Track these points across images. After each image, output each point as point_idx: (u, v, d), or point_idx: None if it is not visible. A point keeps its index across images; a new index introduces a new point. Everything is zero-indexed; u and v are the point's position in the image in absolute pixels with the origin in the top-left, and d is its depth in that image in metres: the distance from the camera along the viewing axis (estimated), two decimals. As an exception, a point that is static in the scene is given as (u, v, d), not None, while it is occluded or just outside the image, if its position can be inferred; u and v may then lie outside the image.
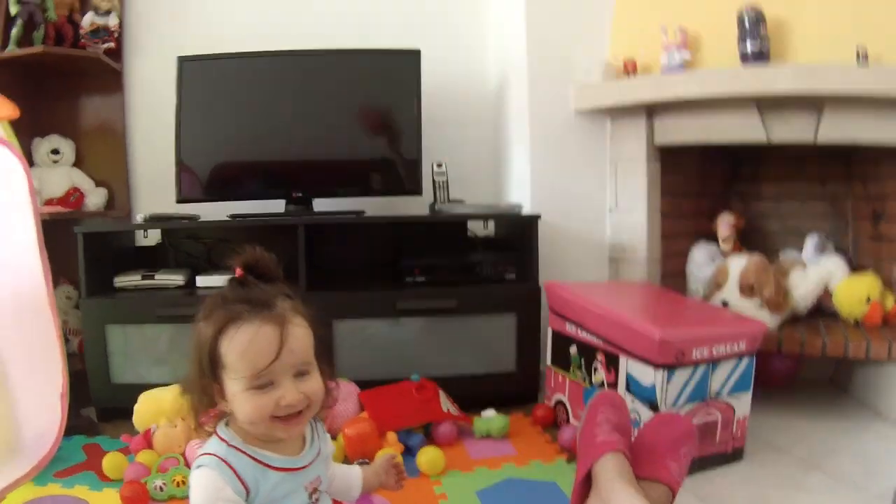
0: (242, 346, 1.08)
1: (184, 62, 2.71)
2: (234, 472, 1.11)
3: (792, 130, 2.36)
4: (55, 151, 2.84)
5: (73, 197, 2.79)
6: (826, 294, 2.51)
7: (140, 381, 2.29)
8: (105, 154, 2.95)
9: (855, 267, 2.59)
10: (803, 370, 2.72)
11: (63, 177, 2.84)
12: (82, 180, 2.87)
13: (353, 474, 1.48)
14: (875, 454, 2.02)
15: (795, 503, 1.74)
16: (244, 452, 1.14)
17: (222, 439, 1.16)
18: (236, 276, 1.15)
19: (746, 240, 2.84)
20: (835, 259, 2.55)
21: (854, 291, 2.43)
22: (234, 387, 1.10)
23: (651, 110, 2.63)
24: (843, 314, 2.46)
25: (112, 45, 2.83)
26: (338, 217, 2.69)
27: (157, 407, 2.10)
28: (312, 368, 1.16)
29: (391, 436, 2.01)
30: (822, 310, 2.54)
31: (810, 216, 2.87)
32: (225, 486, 1.10)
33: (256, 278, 1.15)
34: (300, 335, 1.13)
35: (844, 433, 2.19)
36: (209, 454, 1.14)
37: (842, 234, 2.80)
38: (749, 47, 2.36)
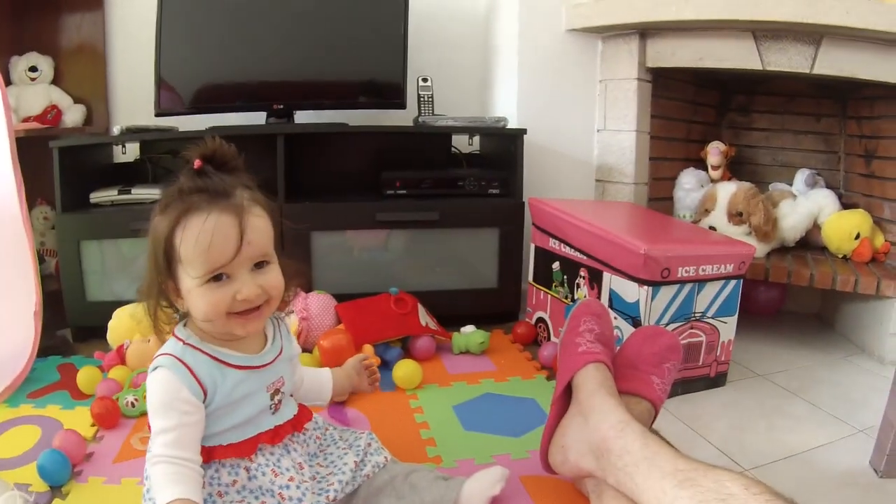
0: (198, 237, 1.04)
1: (165, -24, 2.62)
2: (191, 371, 1.08)
3: (788, 61, 2.31)
4: (33, 69, 2.76)
5: (51, 114, 2.72)
6: (815, 228, 2.49)
7: (116, 298, 2.23)
8: (84, 71, 2.86)
9: (845, 204, 2.55)
10: (788, 302, 2.70)
11: (41, 94, 2.77)
12: (60, 97, 2.80)
13: (323, 376, 1.46)
14: (859, 389, 2.00)
15: (779, 430, 1.72)
16: (201, 350, 1.11)
17: (178, 339, 1.13)
18: (195, 167, 1.09)
19: (736, 171, 2.81)
20: (825, 193, 2.52)
21: (843, 226, 2.40)
22: (190, 282, 1.06)
23: (644, 32, 2.57)
24: (831, 249, 2.45)
25: (92, -42, 2.74)
26: (318, 126, 2.61)
27: (130, 323, 2.05)
28: (272, 260, 1.13)
29: (368, 349, 1.97)
30: (810, 244, 2.52)
31: (801, 151, 2.83)
32: (181, 387, 1.07)
33: (216, 169, 1.10)
34: (259, 226, 1.10)
35: (829, 366, 2.18)
36: (165, 354, 1.10)
37: (833, 170, 2.76)
38: (748, -29, 2.30)
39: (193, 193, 1.06)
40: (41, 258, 2.64)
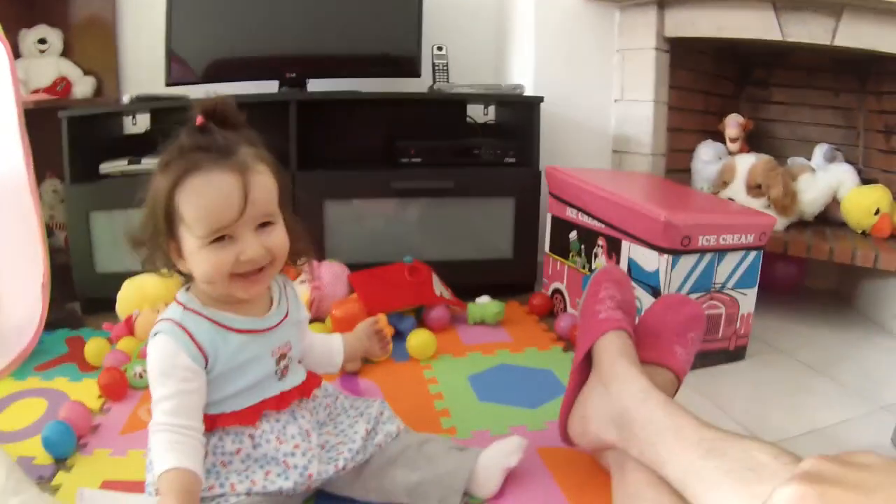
0: (200, 196, 1.01)
1: (175, -55, 2.59)
2: (191, 336, 1.06)
3: (809, 33, 2.26)
4: (42, 41, 2.75)
5: (60, 86, 2.71)
6: (834, 203, 2.45)
7: (125, 269, 2.20)
8: (94, 44, 2.85)
9: (864, 180, 2.51)
10: (807, 279, 2.67)
11: (50, 66, 2.76)
12: (70, 69, 2.79)
13: (334, 341, 1.43)
14: (880, 366, 1.96)
15: (800, 406, 1.69)
16: (202, 315, 1.09)
17: (179, 303, 1.10)
18: (196, 123, 1.06)
19: (754, 145, 2.76)
20: (845, 167, 2.48)
21: (863, 201, 2.36)
22: (192, 243, 1.04)
23: (662, 2, 2.53)
24: (850, 224, 2.40)
25: (103, -69, 2.72)
26: (331, 94, 2.58)
27: (140, 293, 2.04)
28: (276, 220, 1.10)
29: (381, 318, 1.94)
30: (829, 219, 2.49)
31: (820, 125, 2.79)
32: (180, 352, 1.05)
33: (218, 125, 1.07)
34: (263, 184, 1.07)
35: (849, 343, 2.14)
36: (165, 320, 1.08)
37: (852, 146, 2.72)
38: (769, -58, 2.26)
39: (195, 151, 1.03)
40: (51, 231, 2.63)
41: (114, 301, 2.10)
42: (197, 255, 1.04)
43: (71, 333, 2.14)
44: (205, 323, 1.08)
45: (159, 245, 1.07)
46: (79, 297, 2.35)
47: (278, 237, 1.09)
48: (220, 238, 1.03)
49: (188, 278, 1.13)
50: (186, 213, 1.02)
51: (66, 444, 1.40)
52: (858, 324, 2.33)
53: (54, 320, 2.09)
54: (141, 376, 1.69)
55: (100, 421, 1.56)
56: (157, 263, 1.10)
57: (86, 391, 1.71)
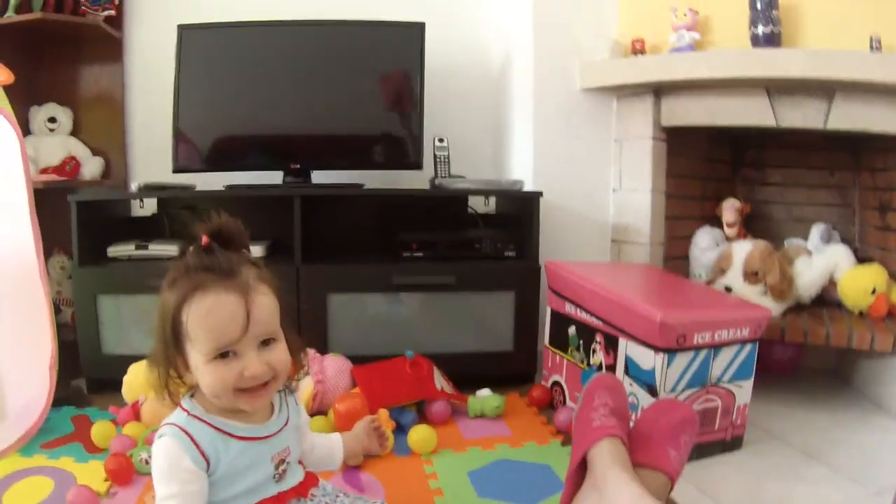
0: (205, 316, 1.06)
1: (184, 31, 2.66)
2: (194, 441, 1.09)
3: (802, 117, 2.31)
4: (52, 120, 2.80)
5: (69, 166, 2.75)
6: (831, 284, 2.47)
7: (132, 352, 2.24)
8: (103, 123, 2.91)
9: (861, 258, 2.54)
10: (805, 359, 2.69)
11: (59, 145, 2.81)
12: (79, 149, 2.84)
13: (334, 441, 1.47)
14: (876, 448, 1.97)
15: (795, 495, 1.70)
16: (205, 422, 1.12)
17: (184, 409, 1.14)
18: (202, 244, 1.11)
19: (750, 226, 2.79)
20: (841, 248, 2.50)
21: (859, 282, 2.39)
22: (198, 358, 1.08)
23: (658, 90, 2.58)
24: (847, 305, 2.42)
25: (112, 12, 2.76)
26: (335, 189, 2.64)
27: (146, 378, 2.05)
28: (278, 337, 1.14)
29: (383, 413, 1.96)
30: (826, 300, 2.51)
31: (816, 205, 2.82)
32: (184, 456, 1.08)
33: (222, 246, 1.12)
34: (265, 304, 1.11)
35: (845, 425, 2.15)
36: (170, 424, 1.11)
37: (848, 224, 2.75)
38: (760, 30, 2.31)
39: (200, 271, 1.08)
40: (57, 308, 2.66)
41: (120, 382, 2.12)
42: (202, 369, 1.08)
43: (77, 412, 2.16)
44: (207, 429, 1.11)
45: (169, 357, 1.11)
46: (85, 376, 2.37)
47: (280, 354, 1.13)
48: (224, 354, 1.07)
49: (192, 388, 1.16)
50: (192, 331, 1.07)
51: (73, 530, 1.42)
52: (856, 404, 2.34)
53: (60, 398, 2.11)
54: (147, 462, 1.70)
55: (106, 505, 1.58)
56: (166, 385, 1.13)
57: (92, 473, 1.73)
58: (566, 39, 2.71)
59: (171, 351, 1.10)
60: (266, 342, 1.11)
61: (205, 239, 1.11)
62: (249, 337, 1.08)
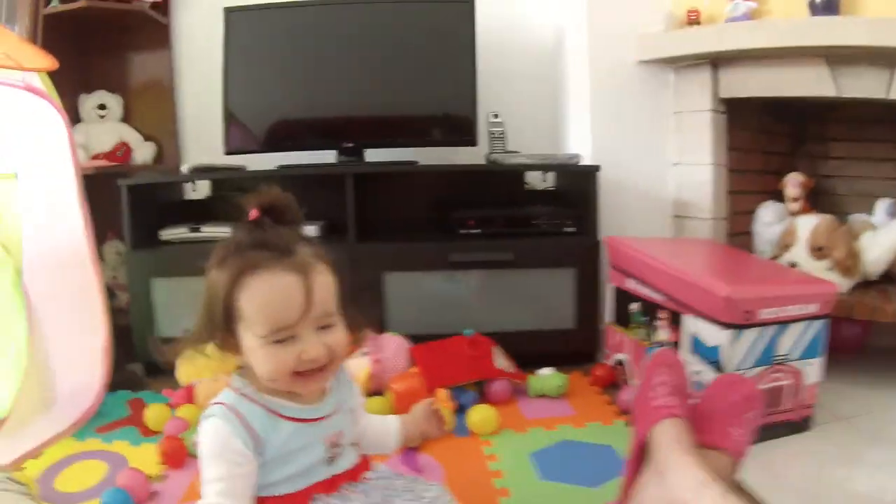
0: (262, 298, 1.01)
1: (231, 13, 2.65)
2: (244, 421, 1.06)
3: (864, 86, 2.23)
4: (102, 107, 2.82)
5: (121, 152, 2.76)
6: (898, 260, 2.39)
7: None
8: (153, 109, 2.92)
9: (928, 232, 2.44)
10: (872, 338, 2.60)
11: (110, 132, 2.82)
12: (130, 135, 2.85)
13: (390, 424, 1.40)
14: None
15: (865, 482, 1.63)
16: (256, 401, 1.08)
17: (234, 388, 1.09)
18: (251, 218, 1.06)
19: (813, 201, 2.71)
20: (907, 223, 2.42)
21: (929, 258, 2.30)
22: (252, 341, 1.03)
23: (716, 62, 2.52)
24: (915, 281, 2.34)
25: (158, -2, 2.77)
26: (388, 166, 2.61)
27: (201, 361, 2.05)
28: (336, 319, 1.08)
29: (442, 393, 1.93)
30: (893, 277, 2.42)
31: (881, 179, 2.72)
32: (232, 437, 1.04)
33: (274, 221, 1.06)
34: (324, 283, 1.06)
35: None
36: (218, 403, 1.07)
37: (914, 199, 2.66)
38: (819, -4, 2.24)
39: (253, 249, 1.03)
40: (113, 293, 2.66)
41: (174, 365, 2.11)
42: (258, 352, 1.03)
43: (132, 396, 2.18)
44: (258, 409, 1.07)
45: (216, 339, 1.07)
46: (140, 359, 2.39)
47: (338, 336, 1.08)
48: (281, 338, 1.03)
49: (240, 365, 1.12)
50: (247, 312, 1.02)
51: (124, 511, 1.41)
52: (926, 384, 2.26)
53: (115, 382, 2.11)
54: (200, 445, 1.70)
55: (158, 488, 1.58)
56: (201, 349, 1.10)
57: (145, 456, 1.73)
58: (621, 11, 2.65)
59: (220, 332, 1.06)
60: (324, 325, 1.06)
61: (254, 212, 1.06)
62: (309, 319, 1.03)
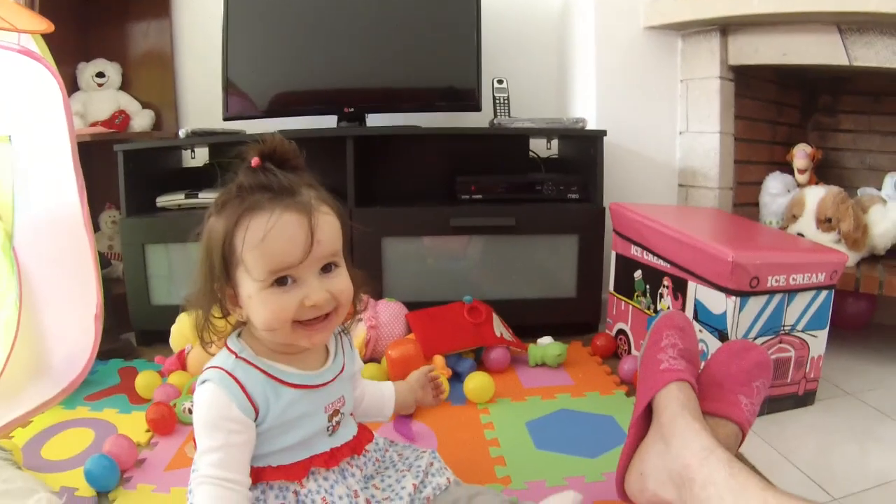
0: (263, 236, 0.96)
1: (231, -21, 2.61)
2: (242, 387, 1.01)
3: (876, 55, 2.18)
4: (100, 75, 2.78)
5: (119, 119, 2.72)
6: (906, 234, 2.35)
7: (180, 302, 2.20)
8: (152, 78, 2.88)
9: (938, 207, 2.41)
10: (877, 314, 2.57)
11: (109, 100, 2.79)
12: (128, 103, 2.82)
13: (386, 391, 1.37)
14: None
15: (871, 455, 1.61)
16: (255, 366, 1.04)
17: (231, 351, 1.05)
18: (253, 165, 1.02)
19: (822, 175, 2.70)
20: (917, 198, 2.38)
21: (937, 232, 2.26)
22: (251, 287, 0.98)
23: (725, 28, 2.48)
24: (924, 256, 2.31)
25: (159, -34, 2.74)
26: (389, 129, 2.56)
27: (193, 327, 2.04)
28: (341, 263, 1.05)
29: (439, 359, 1.90)
30: (901, 252, 2.39)
31: (890, 153, 2.69)
32: (230, 405, 1.00)
33: (277, 167, 1.02)
34: (328, 224, 1.02)
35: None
36: (215, 367, 1.03)
37: (924, 174, 2.62)
38: (832, -38, 2.19)
39: (255, 191, 0.99)
40: (108, 262, 2.64)
41: (168, 334, 2.10)
42: (256, 298, 0.99)
43: (124, 364, 2.16)
44: (257, 374, 1.03)
45: (214, 291, 1.02)
46: (134, 328, 2.37)
47: (343, 281, 1.04)
48: (282, 281, 0.98)
49: (238, 325, 1.08)
50: (247, 254, 0.97)
51: (109, 478, 1.40)
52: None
53: (109, 350, 2.12)
54: (190, 412, 1.68)
55: (146, 455, 1.56)
56: (207, 311, 1.05)
57: (134, 424, 1.72)
58: (628, -25, 2.62)
59: (219, 282, 1.01)
60: (327, 268, 1.02)
61: (256, 159, 1.02)
62: (312, 260, 0.98)
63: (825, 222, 2.24)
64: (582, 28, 2.73)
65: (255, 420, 1.02)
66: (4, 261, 1.81)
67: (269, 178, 1.00)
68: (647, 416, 1.29)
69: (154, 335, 2.29)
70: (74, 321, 1.92)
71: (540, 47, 2.99)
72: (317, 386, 1.09)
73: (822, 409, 1.85)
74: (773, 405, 1.79)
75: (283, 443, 1.06)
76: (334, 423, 1.12)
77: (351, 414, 1.21)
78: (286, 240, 0.97)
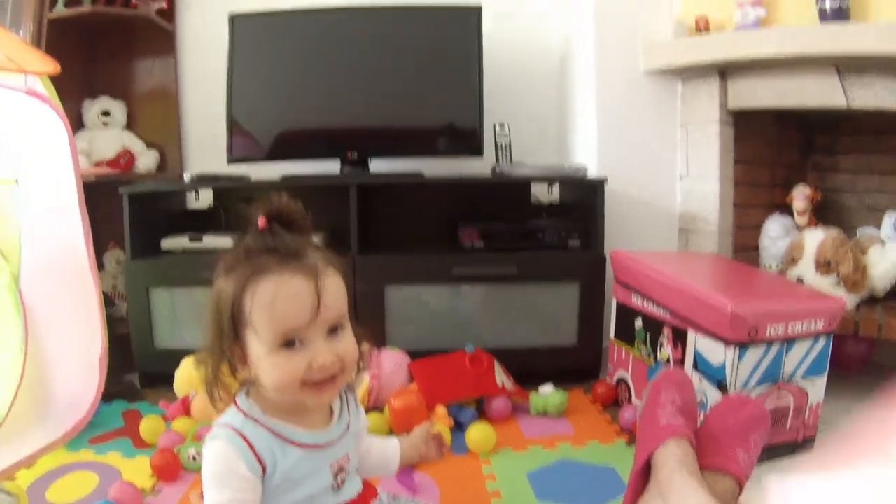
0: (271, 300, 0.97)
1: (236, 20, 2.63)
2: (250, 446, 1.02)
3: (874, 96, 2.20)
4: (105, 113, 2.80)
5: (124, 159, 2.74)
6: (906, 275, 2.36)
7: (185, 346, 2.22)
8: (157, 116, 2.90)
9: (937, 247, 2.41)
10: (876, 355, 2.58)
11: (114, 139, 2.80)
12: (133, 142, 2.83)
13: (391, 447, 1.37)
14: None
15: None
16: (263, 425, 1.05)
17: (240, 409, 1.06)
18: (260, 226, 1.03)
19: (821, 215, 2.69)
20: (916, 238, 2.39)
21: (936, 273, 2.26)
22: (260, 349, 1.00)
23: (724, 71, 2.49)
24: (923, 297, 2.31)
25: (163, 4, 2.75)
26: (392, 177, 2.59)
27: (198, 373, 2.04)
28: (346, 325, 1.06)
29: (440, 409, 1.91)
30: (900, 293, 2.40)
31: (890, 193, 2.69)
32: (238, 462, 1.00)
33: (283, 228, 1.04)
34: (335, 287, 1.03)
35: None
36: (224, 425, 1.04)
37: (923, 213, 2.62)
38: (828, 4, 2.20)
39: (262, 254, 1.00)
40: (112, 302, 2.65)
41: (172, 377, 2.11)
42: (265, 361, 1.00)
43: (128, 406, 2.17)
44: (265, 433, 1.04)
45: (223, 350, 1.03)
46: (137, 370, 2.37)
47: (348, 343, 1.06)
48: (290, 344, 1.00)
49: (245, 384, 1.09)
50: (255, 317, 0.99)
51: (115, 524, 1.41)
52: (934, 404, 2.22)
53: (112, 392, 2.12)
54: (195, 458, 1.69)
55: (150, 501, 1.57)
56: (216, 370, 1.05)
57: (138, 469, 1.73)
58: (628, 19, 2.63)
59: (228, 343, 1.02)
60: (334, 330, 1.03)
61: (262, 220, 1.03)
62: (319, 323, 1.00)
63: (825, 265, 2.25)
64: (582, 72, 2.74)
65: (263, 478, 1.03)
66: (11, 302, 1.83)
67: (276, 241, 1.02)
68: (645, 472, 1.31)
69: (158, 378, 2.30)
70: (79, 362, 1.93)
71: (541, 91, 3.01)
72: (322, 445, 1.10)
73: (820, 455, 1.82)
74: (772, 453, 1.79)
75: (289, 500, 1.07)
76: (339, 481, 1.13)
77: (355, 471, 1.22)
78: (294, 303, 0.98)
